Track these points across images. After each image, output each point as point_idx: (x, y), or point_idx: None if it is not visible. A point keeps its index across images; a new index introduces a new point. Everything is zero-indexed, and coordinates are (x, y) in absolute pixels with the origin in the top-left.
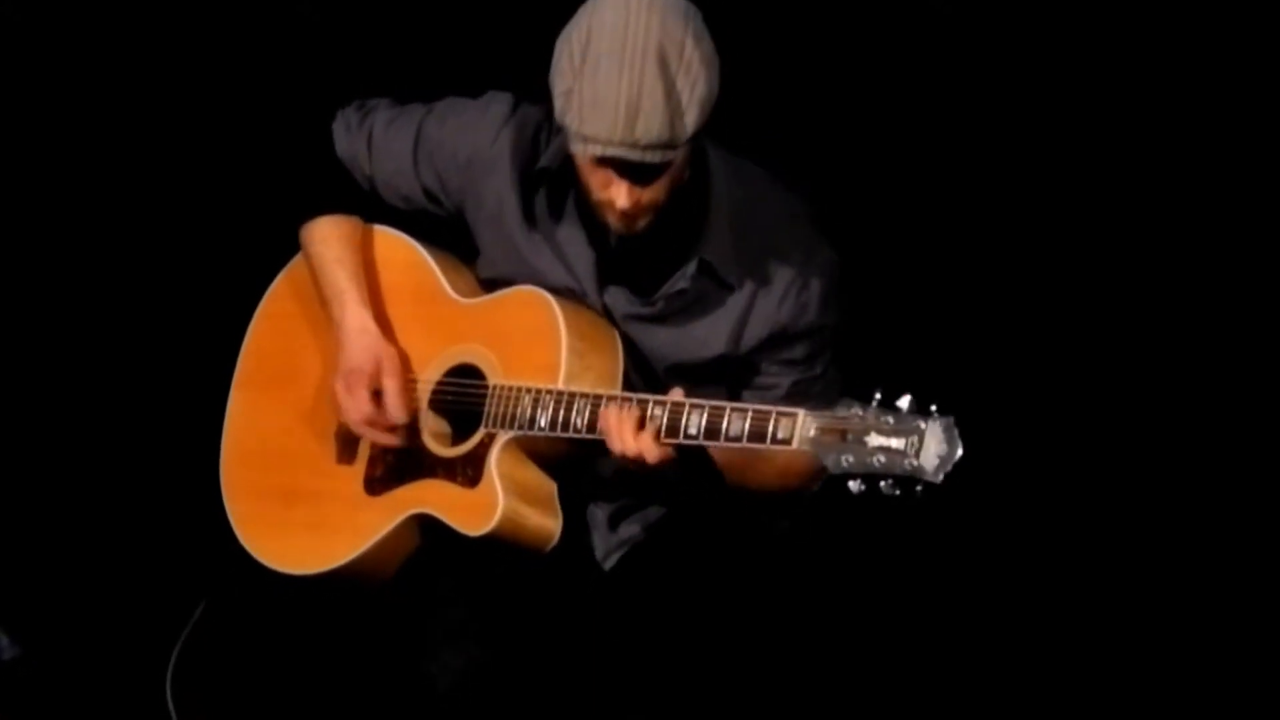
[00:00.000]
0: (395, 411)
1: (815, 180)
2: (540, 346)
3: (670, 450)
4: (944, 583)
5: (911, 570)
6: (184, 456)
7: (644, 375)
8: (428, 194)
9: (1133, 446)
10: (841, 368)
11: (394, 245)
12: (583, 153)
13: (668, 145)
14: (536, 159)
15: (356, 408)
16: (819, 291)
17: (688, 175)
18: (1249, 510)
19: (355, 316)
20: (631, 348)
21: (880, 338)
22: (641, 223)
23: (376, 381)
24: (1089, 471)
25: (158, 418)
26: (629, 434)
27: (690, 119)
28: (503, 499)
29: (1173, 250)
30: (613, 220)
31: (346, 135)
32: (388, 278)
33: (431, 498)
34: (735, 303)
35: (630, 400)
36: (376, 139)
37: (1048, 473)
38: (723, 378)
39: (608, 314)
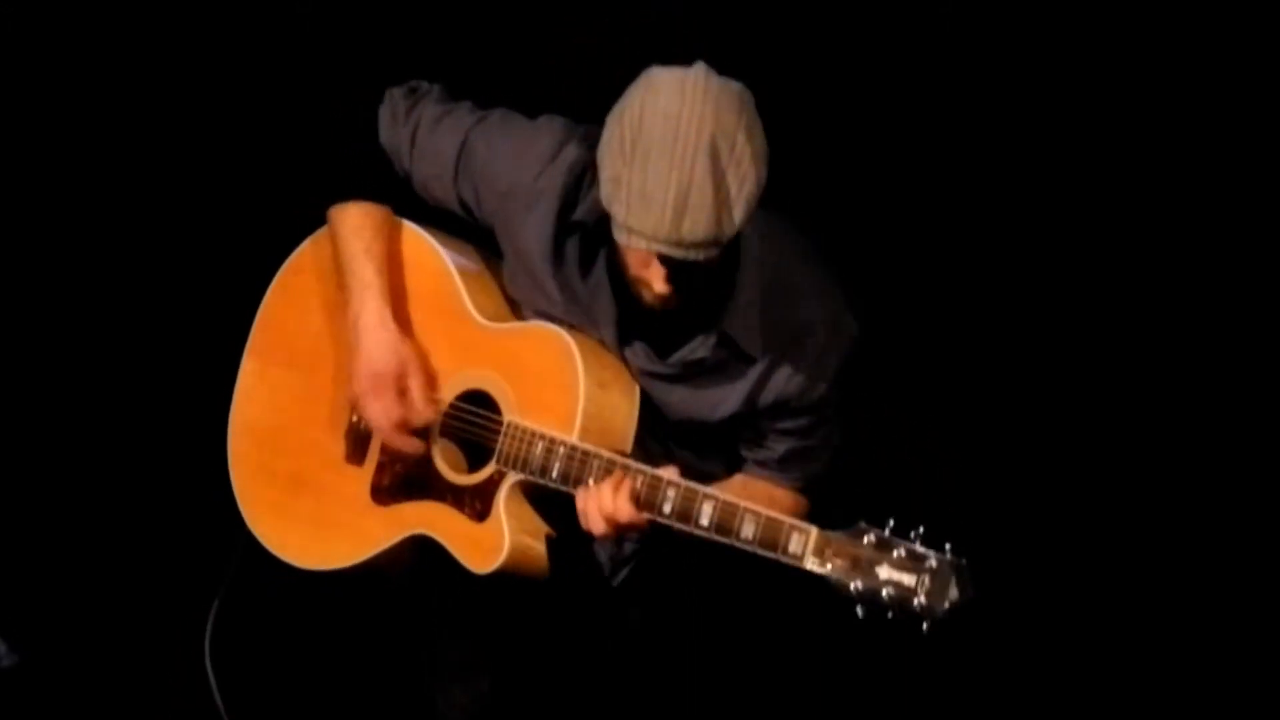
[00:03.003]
0: (423, 412)
1: (811, 182)
2: (558, 392)
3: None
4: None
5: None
6: (191, 447)
7: (655, 422)
8: (462, 203)
9: (1132, 459)
10: (842, 431)
11: (420, 249)
12: (626, 243)
13: (713, 243)
14: (575, 204)
15: (385, 413)
16: (834, 368)
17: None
18: (1248, 522)
19: (375, 311)
20: (646, 399)
21: (882, 352)
22: (675, 302)
23: (401, 382)
24: (1089, 485)
25: (162, 413)
26: (595, 518)
27: (737, 216)
28: (509, 539)
29: (1173, 262)
30: (645, 295)
31: (392, 125)
32: (411, 280)
33: (438, 523)
34: (753, 373)
35: (644, 474)
36: (421, 139)
37: (1048, 486)
38: (731, 434)
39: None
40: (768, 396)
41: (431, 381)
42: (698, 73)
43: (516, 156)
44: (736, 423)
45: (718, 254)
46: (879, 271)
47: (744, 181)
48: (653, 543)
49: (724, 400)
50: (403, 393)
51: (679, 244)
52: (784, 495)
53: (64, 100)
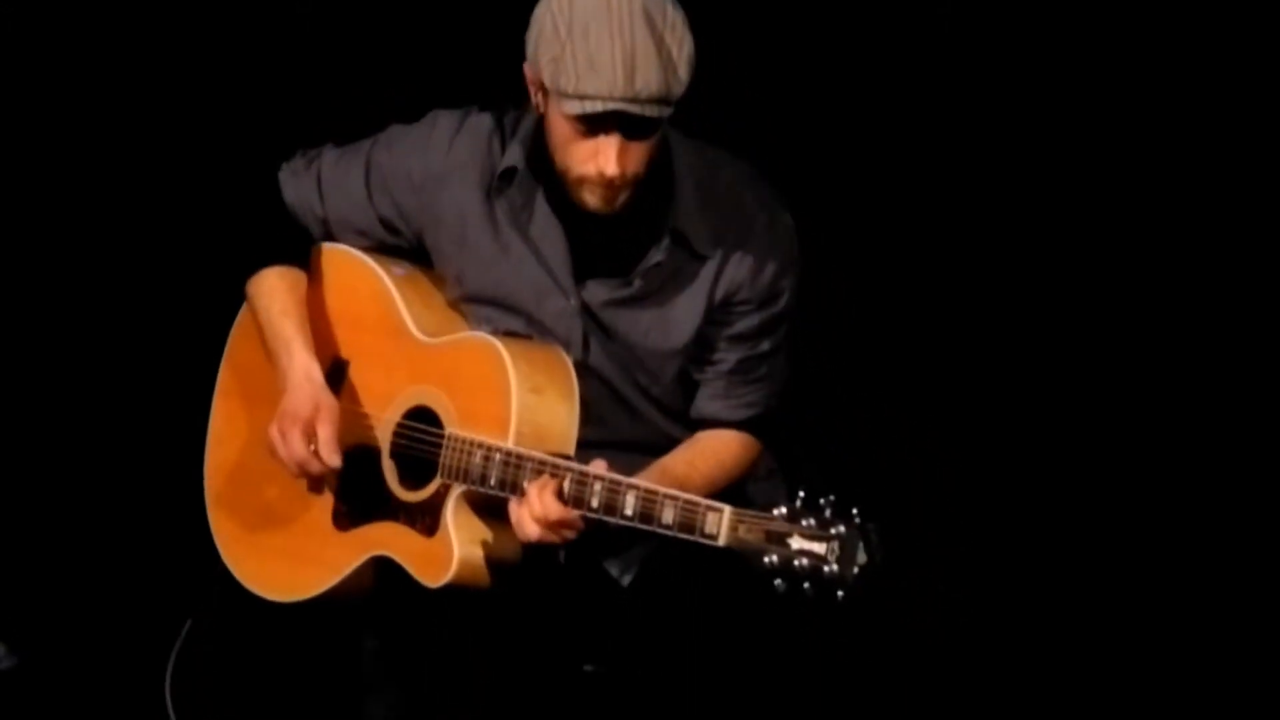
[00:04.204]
0: (327, 458)
1: (812, 181)
2: (492, 401)
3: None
4: (960, 587)
5: (930, 574)
6: (173, 460)
7: (620, 372)
8: (385, 224)
9: (1131, 459)
10: (793, 362)
11: (358, 271)
12: (581, 110)
13: (664, 100)
14: (497, 160)
15: (289, 452)
16: (779, 258)
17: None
18: (1248, 522)
19: (301, 365)
20: (610, 338)
21: (866, 338)
22: (622, 196)
23: (311, 428)
24: (1089, 484)
25: (145, 421)
26: (527, 522)
27: (683, 75)
28: (458, 551)
29: (1173, 262)
30: (591, 197)
31: (293, 180)
32: (351, 305)
33: (393, 542)
34: (708, 272)
35: (571, 471)
36: (326, 177)
37: (1048, 486)
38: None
39: (585, 310)
40: (720, 292)
41: (364, 419)
42: None
43: (420, 147)
44: (696, 345)
45: (667, 116)
46: (879, 271)
47: (682, 43)
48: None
49: (688, 314)
50: (309, 437)
51: (635, 99)
52: (731, 439)
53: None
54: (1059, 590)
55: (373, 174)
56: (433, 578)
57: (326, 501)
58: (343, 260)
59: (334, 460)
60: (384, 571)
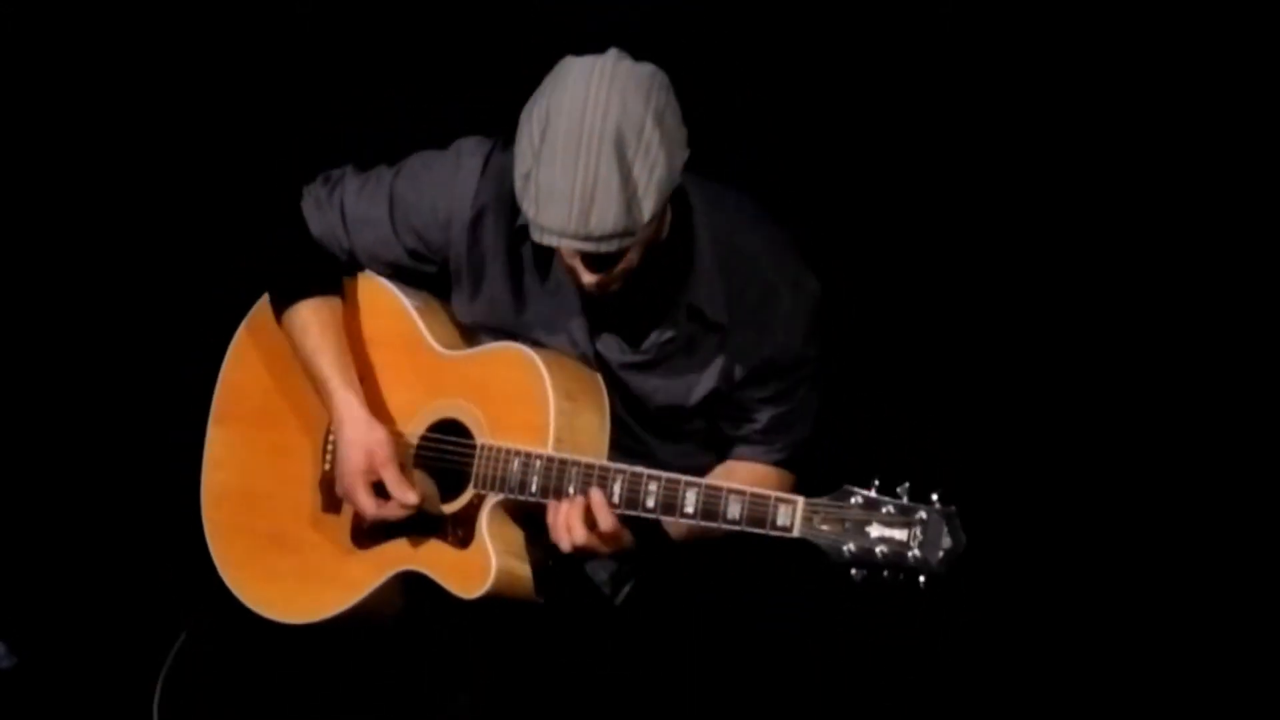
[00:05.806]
0: (402, 499)
1: (811, 183)
2: (528, 408)
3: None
4: (955, 604)
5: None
6: (172, 464)
7: (636, 416)
8: (413, 255)
9: (1131, 458)
10: (821, 393)
11: (376, 292)
12: (539, 239)
13: (624, 234)
14: (518, 211)
15: (364, 509)
16: (803, 325)
17: (666, 232)
18: (1248, 521)
19: (342, 405)
20: (624, 390)
21: (868, 355)
22: (614, 288)
23: (374, 475)
24: (1089, 484)
25: (145, 424)
26: (577, 527)
27: (647, 205)
28: (495, 561)
29: (1173, 261)
30: (582, 290)
31: (318, 212)
32: (370, 325)
33: (422, 556)
34: (725, 342)
35: (623, 473)
36: (350, 210)
37: (1048, 486)
38: (713, 418)
39: (600, 361)
40: (743, 367)
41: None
42: (606, 61)
43: (447, 185)
44: (716, 402)
45: (631, 244)
46: (879, 271)
47: (653, 170)
48: (654, 559)
49: (701, 379)
50: (378, 484)
51: (588, 238)
52: (769, 474)
53: None
54: (1059, 590)
55: (396, 208)
56: (469, 589)
57: (344, 521)
58: (359, 280)
59: (410, 499)
60: (410, 589)
